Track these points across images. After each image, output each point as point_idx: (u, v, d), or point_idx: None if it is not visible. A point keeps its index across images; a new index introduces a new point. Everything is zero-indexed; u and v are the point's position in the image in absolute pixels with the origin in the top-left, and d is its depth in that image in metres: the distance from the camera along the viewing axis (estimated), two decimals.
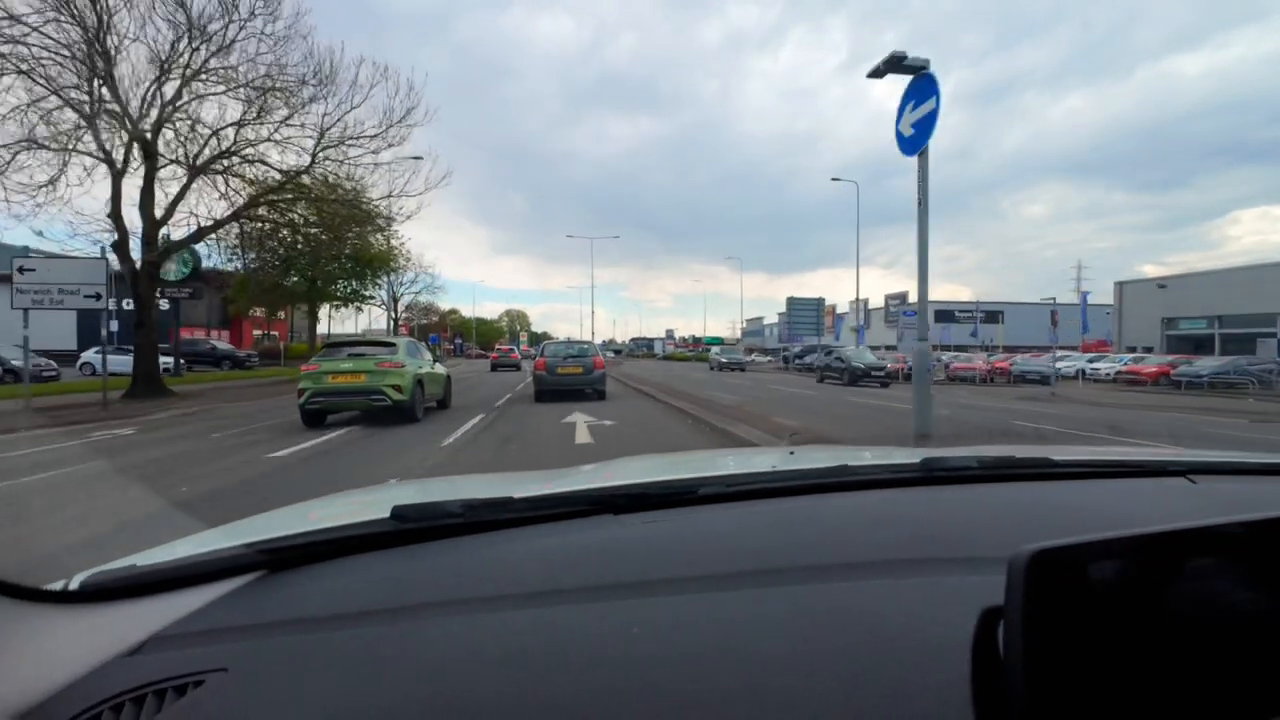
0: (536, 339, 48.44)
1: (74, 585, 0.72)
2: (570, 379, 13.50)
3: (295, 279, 27.01)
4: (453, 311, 70.00)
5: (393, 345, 10.02)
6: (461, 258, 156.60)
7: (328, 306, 32.13)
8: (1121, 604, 0.43)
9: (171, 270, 16.25)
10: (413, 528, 0.85)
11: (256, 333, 43.54)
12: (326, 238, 18.36)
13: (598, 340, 50.73)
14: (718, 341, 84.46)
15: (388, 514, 0.85)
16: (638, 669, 0.54)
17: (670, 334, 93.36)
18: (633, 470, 1.38)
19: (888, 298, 45.14)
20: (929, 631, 0.57)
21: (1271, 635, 0.44)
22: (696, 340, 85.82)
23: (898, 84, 6.12)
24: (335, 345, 10.17)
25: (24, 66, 12.08)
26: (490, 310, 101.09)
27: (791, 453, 1.55)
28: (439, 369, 11.83)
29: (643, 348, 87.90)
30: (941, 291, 67.40)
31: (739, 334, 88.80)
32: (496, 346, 53.44)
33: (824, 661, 0.54)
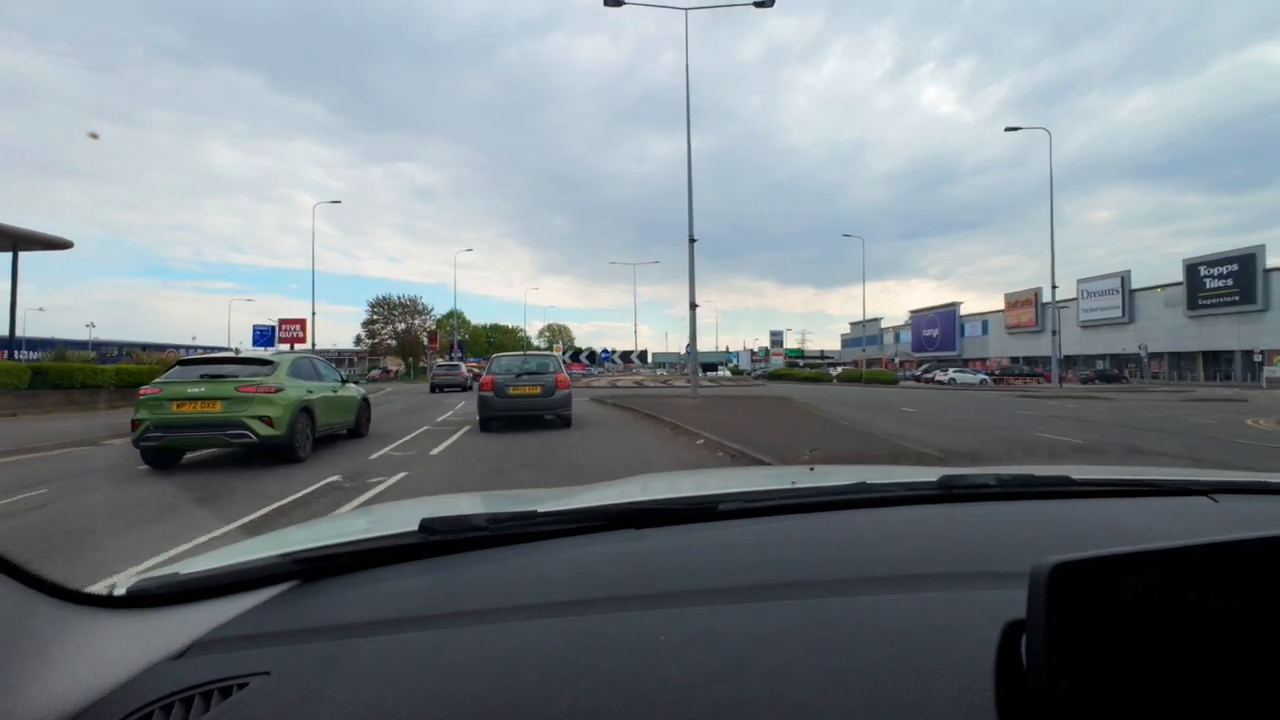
0: (576, 355, 44.92)
1: (120, 591, 0.74)
2: (524, 401, 10.89)
3: None
4: (451, 315, 65.85)
5: (268, 364, 7.93)
6: (508, 279, 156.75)
7: None
8: (1144, 618, 0.43)
9: None
10: (440, 540, 0.86)
11: None
12: None
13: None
14: (797, 354, 73.38)
15: (415, 527, 0.86)
16: (665, 679, 0.55)
17: (776, 341, 69.23)
18: (654, 488, 1.41)
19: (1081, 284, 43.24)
20: (952, 644, 0.57)
21: None
22: (799, 354, 72.97)
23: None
24: (189, 363, 8.06)
25: None
26: (533, 330, 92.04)
27: (812, 469, 1.54)
28: (350, 390, 9.75)
29: (720, 362, 68.33)
30: (990, 303, 63.89)
31: (839, 345, 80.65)
32: (437, 362, 43.75)
33: (848, 673, 0.54)
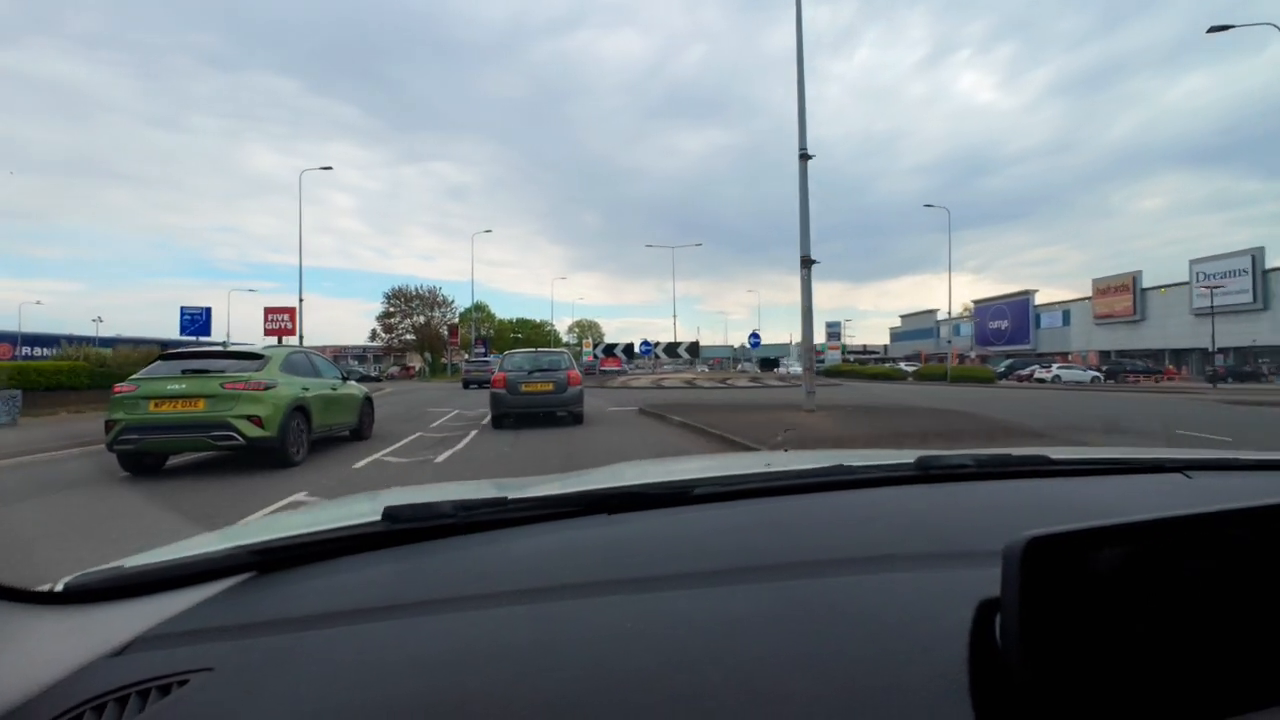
0: (610, 350, 41.62)
1: (59, 587, 0.71)
2: (537, 398, 10.81)
3: None
4: (476, 308, 61.24)
5: (258, 358, 7.19)
6: (539, 277, 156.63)
7: None
8: (1119, 592, 0.43)
9: None
10: (405, 528, 0.83)
11: None
12: None
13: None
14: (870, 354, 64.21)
15: (379, 515, 0.84)
16: (633, 665, 0.54)
17: (833, 334, 63.72)
18: (628, 474, 1.38)
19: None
20: (924, 625, 0.57)
21: (1270, 622, 0.44)
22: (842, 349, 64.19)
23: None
24: (171, 357, 7.30)
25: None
26: (561, 326, 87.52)
27: (785, 450, 0.84)
28: (351, 388, 9.01)
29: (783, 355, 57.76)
30: (1042, 296, 57.74)
31: (888, 339, 74.21)
32: (465, 358, 43.57)
33: (819, 657, 0.54)
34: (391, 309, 60.73)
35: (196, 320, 24.05)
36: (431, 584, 0.72)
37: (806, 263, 11.69)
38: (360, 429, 9.08)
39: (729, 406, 13.89)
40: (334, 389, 8.31)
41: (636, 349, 40.93)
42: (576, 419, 11.10)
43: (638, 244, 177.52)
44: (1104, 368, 40.85)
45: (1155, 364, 41.80)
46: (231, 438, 6.39)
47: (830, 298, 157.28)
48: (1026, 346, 52.46)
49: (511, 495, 0.94)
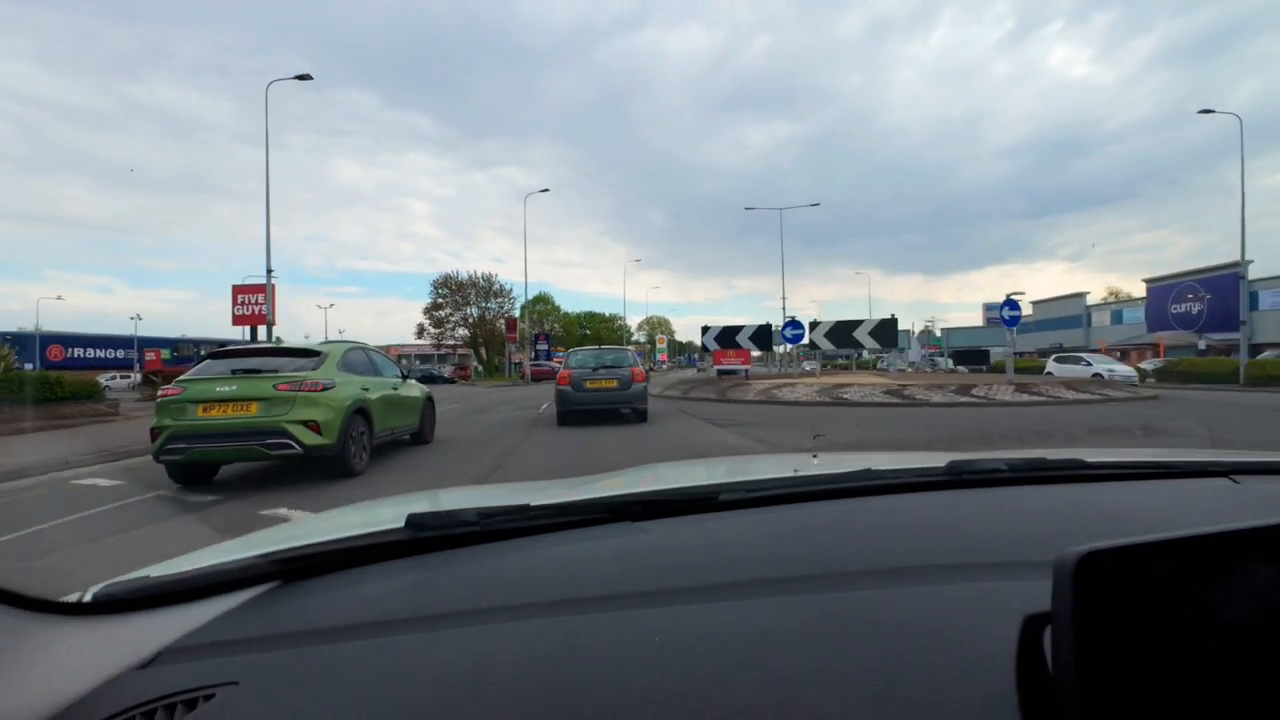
0: (680, 349, 38.96)
1: (87, 597, 0.71)
2: (601, 395, 10.63)
3: None
4: (538, 300, 56.54)
5: (314, 355, 6.41)
6: (606, 277, 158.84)
7: None
8: (1175, 610, 0.41)
9: None
10: (428, 536, 0.83)
11: None
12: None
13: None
14: (939, 343, 53.59)
15: (403, 523, 0.83)
16: (661, 679, 0.53)
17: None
18: (653, 478, 1.37)
19: None
20: (966, 641, 0.54)
21: None
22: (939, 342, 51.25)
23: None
24: (220, 355, 6.54)
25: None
26: (632, 324, 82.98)
27: (814, 457, 1.42)
28: (412, 388, 8.22)
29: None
30: (1133, 286, 49.07)
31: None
32: (528, 356, 39.72)
33: (854, 673, 0.52)
34: (440, 300, 51.00)
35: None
36: (455, 595, 0.71)
37: None
38: (422, 432, 8.29)
39: None
40: (395, 388, 7.52)
41: (779, 331, 23.66)
42: (641, 416, 10.89)
43: (703, 242, 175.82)
44: None
45: None
46: (288, 446, 5.60)
47: (907, 291, 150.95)
48: (1231, 335, 32.73)
49: (534, 502, 0.93)
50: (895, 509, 0.92)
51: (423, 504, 1.10)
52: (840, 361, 46.60)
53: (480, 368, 48.28)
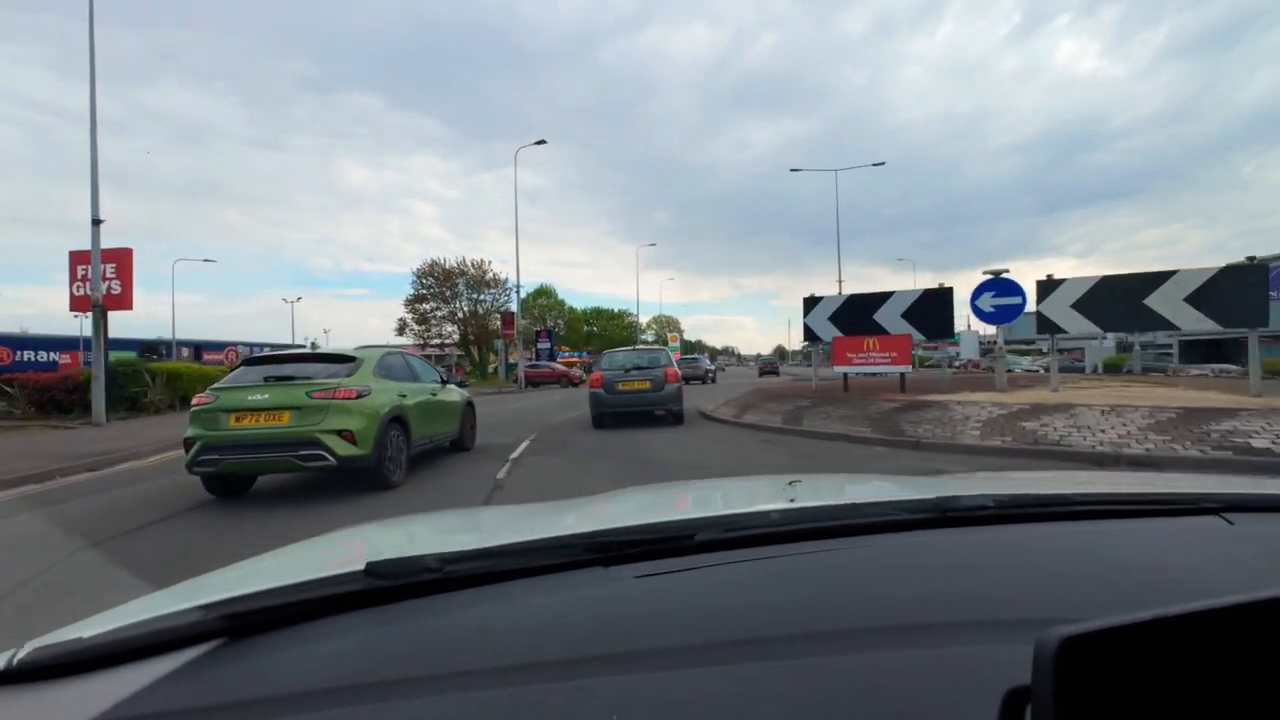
0: (690, 348, 37.53)
1: (15, 663, 0.67)
2: (634, 397, 10.57)
3: None
4: (540, 294, 52.48)
5: (349, 360, 6.14)
6: (612, 276, 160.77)
7: None
8: (1159, 688, 0.40)
9: None
10: (387, 586, 0.80)
11: None
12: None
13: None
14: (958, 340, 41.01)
15: (362, 567, 0.80)
16: None
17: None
18: (628, 507, 1.33)
19: None
20: (948, 714, 0.54)
21: None
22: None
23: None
24: (255, 362, 6.31)
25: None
26: (639, 321, 76.50)
27: (791, 482, 1.37)
28: (452, 393, 7.92)
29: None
30: None
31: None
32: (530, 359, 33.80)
33: None
34: (424, 290, 41.72)
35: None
36: (410, 656, 0.68)
37: None
38: (462, 439, 8.00)
39: None
40: (433, 394, 7.23)
41: (889, 301, 12.59)
42: (676, 418, 10.73)
43: (709, 240, 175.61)
44: None
45: None
46: (322, 457, 5.33)
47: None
48: None
49: (502, 538, 0.92)
50: (880, 553, 0.89)
51: (392, 536, 1.04)
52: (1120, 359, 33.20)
53: (472, 369, 42.10)
